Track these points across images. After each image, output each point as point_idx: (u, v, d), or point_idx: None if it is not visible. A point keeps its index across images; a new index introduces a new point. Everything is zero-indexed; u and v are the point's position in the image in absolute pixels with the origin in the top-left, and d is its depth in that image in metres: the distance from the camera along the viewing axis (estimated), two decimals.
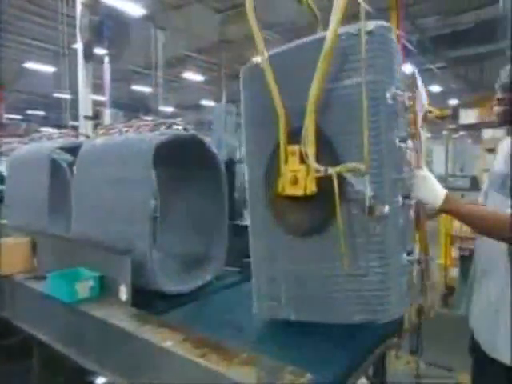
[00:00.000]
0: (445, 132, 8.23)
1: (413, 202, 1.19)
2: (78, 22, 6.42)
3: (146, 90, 12.90)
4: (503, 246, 1.29)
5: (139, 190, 1.50)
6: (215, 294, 1.67)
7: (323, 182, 1.09)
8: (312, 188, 1.11)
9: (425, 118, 1.27)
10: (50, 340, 1.43)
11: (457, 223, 4.08)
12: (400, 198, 1.10)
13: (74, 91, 7.20)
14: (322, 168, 1.08)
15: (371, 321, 1.13)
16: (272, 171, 1.23)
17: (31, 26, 9.51)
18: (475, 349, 1.45)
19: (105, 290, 1.41)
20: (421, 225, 1.25)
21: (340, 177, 1.05)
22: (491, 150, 4.15)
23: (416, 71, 1.21)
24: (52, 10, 7.88)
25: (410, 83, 1.19)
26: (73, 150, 2.04)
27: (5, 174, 2.67)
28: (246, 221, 2.08)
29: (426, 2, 7.92)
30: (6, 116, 14.40)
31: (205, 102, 15.66)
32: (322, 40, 1.08)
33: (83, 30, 6.30)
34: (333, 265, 1.14)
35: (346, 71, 1.09)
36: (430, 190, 1.21)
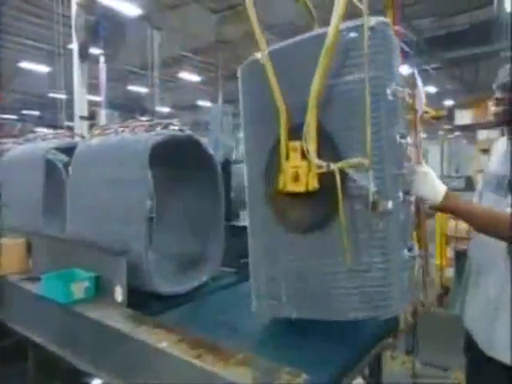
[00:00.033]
0: (440, 132, 8.28)
1: (413, 198, 1.19)
2: (73, 22, 6.39)
3: (142, 90, 12.86)
4: (501, 245, 1.29)
5: (135, 191, 1.50)
6: (211, 295, 1.67)
7: (324, 178, 1.09)
8: (314, 184, 1.10)
9: (421, 119, 1.28)
10: (45, 342, 1.42)
11: (452, 223, 4.11)
12: (401, 194, 1.10)
13: (70, 91, 7.16)
14: (324, 164, 1.07)
15: (374, 317, 1.12)
16: (272, 168, 1.22)
17: (26, 25, 9.46)
18: (470, 348, 1.45)
19: (100, 290, 1.40)
20: (420, 221, 1.25)
21: (342, 172, 1.05)
22: (485, 151, 4.18)
23: (415, 69, 1.21)
24: (47, 9, 7.84)
25: (410, 81, 1.20)
26: (68, 150, 2.03)
27: None
28: (243, 221, 2.08)
29: (421, 3, 7.97)
30: (0, 116, 14.32)
31: (201, 103, 15.64)
32: (321, 36, 1.08)
33: (79, 29, 6.27)
34: (334, 261, 1.13)
35: (347, 67, 1.09)
36: (431, 186, 1.22)
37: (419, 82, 1.22)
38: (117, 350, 1.18)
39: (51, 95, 11.80)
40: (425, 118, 1.31)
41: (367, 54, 1.02)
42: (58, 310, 1.36)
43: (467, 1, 7.96)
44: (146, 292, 1.49)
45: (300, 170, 1.12)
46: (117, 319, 1.22)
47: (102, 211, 1.62)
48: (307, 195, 1.13)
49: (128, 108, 11.79)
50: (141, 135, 1.61)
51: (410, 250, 1.14)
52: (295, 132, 1.14)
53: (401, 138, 1.10)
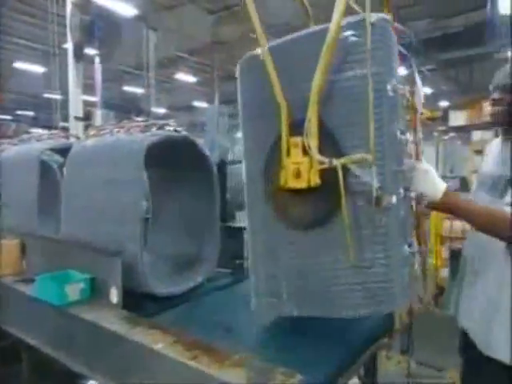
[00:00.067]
0: (435, 133, 8.34)
1: (413, 194, 1.19)
2: (68, 22, 6.36)
3: (138, 90, 12.83)
4: (498, 245, 1.31)
5: (130, 192, 1.49)
6: (207, 296, 1.67)
7: (326, 174, 1.09)
8: (315, 180, 1.10)
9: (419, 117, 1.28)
10: (40, 344, 1.41)
11: (447, 223, 4.13)
12: (401, 190, 1.11)
13: (65, 91, 7.13)
14: (326, 160, 1.07)
15: (375, 313, 1.13)
16: (273, 165, 1.21)
17: (20, 25, 9.40)
18: (467, 348, 1.46)
19: (95, 292, 1.40)
20: (419, 218, 1.25)
21: (343, 168, 1.05)
22: (479, 152, 4.21)
23: (414, 65, 1.21)
24: (42, 9, 7.79)
25: (409, 78, 1.20)
26: (63, 151, 2.02)
27: None
28: (239, 222, 2.08)
29: (418, 5, 8.01)
30: None
31: (197, 104, 15.62)
32: (321, 32, 1.08)
33: (73, 29, 6.24)
34: (336, 258, 1.13)
35: (347, 63, 1.09)
36: (431, 183, 1.22)
37: (418, 80, 1.23)
38: (112, 351, 1.18)
39: (46, 95, 11.73)
40: (420, 118, 1.31)
41: (369, 49, 1.02)
42: (52, 312, 1.36)
43: (462, 3, 8.03)
44: (141, 293, 1.48)
45: (301, 167, 1.12)
46: (112, 321, 1.21)
47: (96, 212, 1.61)
48: (308, 192, 1.12)
49: (124, 108, 11.74)
50: (136, 136, 1.60)
51: (409, 246, 1.14)
52: (295, 128, 1.14)
53: (401, 134, 1.11)
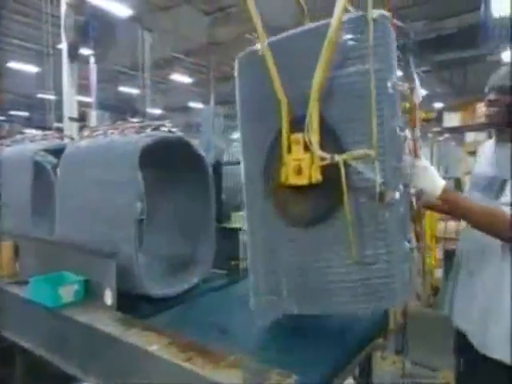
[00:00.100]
0: (430, 135, 8.39)
1: (412, 190, 1.19)
2: (62, 22, 6.33)
3: (134, 91, 12.79)
4: (495, 245, 1.32)
5: (125, 193, 1.49)
6: (202, 297, 1.67)
7: (327, 171, 1.09)
8: (317, 176, 1.10)
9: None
10: (33, 346, 1.40)
11: (441, 224, 4.16)
12: (401, 186, 1.11)
13: (59, 92, 7.09)
14: (328, 156, 1.07)
15: (376, 309, 1.13)
16: (273, 161, 1.20)
17: (14, 24, 9.33)
18: (463, 349, 1.47)
19: (90, 294, 1.39)
20: (418, 214, 1.25)
21: (345, 164, 1.05)
22: (473, 153, 4.24)
23: (412, 62, 1.21)
24: (36, 8, 7.75)
25: (407, 76, 1.20)
26: (57, 152, 2.01)
27: None
28: (234, 223, 2.08)
29: (413, 6, 8.07)
30: None
31: (193, 104, 15.60)
32: (321, 28, 1.08)
33: (68, 29, 6.21)
34: (337, 254, 1.13)
35: (348, 59, 1.08)
36: (430, 180, 1.23)
37: (416, 78, 1.23)
38: (106, 353, 1.17)
39: (40, 96, 11.65)
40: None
41: (371, 45, 1.02)
42: (45, 314, 1.35)
43: (456, 4, 8.09)
44: (136, 295, 1.47)
45: (303, 163, 1.11)
46: (106, 322, 1.21)
47: (91, 213, 1.60)
48: (309, 188, 1.12)
49: (119, 109, 11.71)
50: (131, 137, 1.60)
51: (408, 242, 1.14)
52: (296, 124, 1.13)
53: (400, 131, 1.11)
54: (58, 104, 7.64)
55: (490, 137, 1.60)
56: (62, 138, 2.39)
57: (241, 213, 2.94)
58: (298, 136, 1.12)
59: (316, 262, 1.17)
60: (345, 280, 1.13)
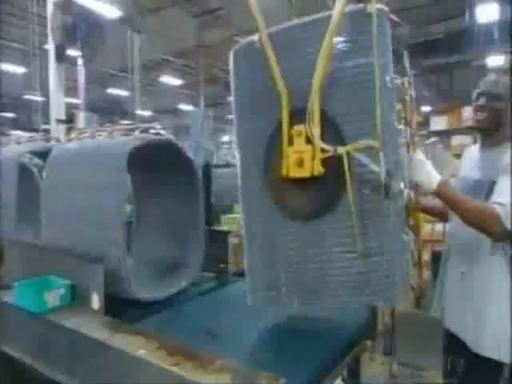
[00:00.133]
0: (416, 138, 8.49)
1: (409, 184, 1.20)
2: (49, 22, 6.24)
3: (123, 93, 12.68)
4: (484, 245, 1.34)
5: (113, 196, 1.47)
6: (191, 301, 1.65)
7: (328, 163, 1.08)
8: (319, 169, 1.09)
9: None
10: (18, 353, 1.37)
11: (428, 227, 4.21)
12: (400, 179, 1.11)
13: (47, 93, 6.98)
14: (331, 148, 1.06)
15: (376, 301, 1.13)
16: (272, 154, 1.19)
17: None
18: (452, 348, 1.49)
19: (76, 298, 1.37)
20: (414, 207, 1.25)
21: (347, 156, 1.04)
22: (459, 156, 4.32)
23: (406, 58, 1.22)
24: (22, 8, 7.63)
25: (401, 70, 1.20)
26: (44, 154, 1.97)
27: None
28: (223, 226, 2.08)
29: (400, 11, 8.20)
30: None
31: (183, 107, 15.54)
32: (320, 20, 1.09)
33: (55, 30, 6.13)
34: (338, 247, 1.12)
35: (348, 52, 1.09)
36: (426, 174, 1.25)
37: (410, 73, 1.24)
38: (93, 359, 1.15)
39: (27, 97, 11.47)
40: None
41: (375, 38, 1.03)
42: (30, 320, 1.32)
43: (443, 10, 8.25)
44: (124, 298, 1.46)
45: (305, 155, 1.10)
46: (93, 327, 1.19)
47: (78, 217, 1.58)
48: (310, 181, 1.11)
49: (108, 111, 11.59)
50: (119, 139, 1.58)
51: (406, 234, 1.15)
52: (295, 116, 1.13)
53: (397, 124, 1.11)
54: (46, 105, 7.52)
55: (475, 141, 1.64)
56: (48, 140, 2.36)
57: (230, 215, 2.94)
58: (301, 128, 1.11)
59: (316, 256, 1.16)
60: (346, 273, 1.12)
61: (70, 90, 7.04)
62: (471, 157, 1.59)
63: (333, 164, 1.07)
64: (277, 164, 1.16)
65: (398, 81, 1.12)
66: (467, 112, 4.53)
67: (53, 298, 1.32)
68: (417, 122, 1.25)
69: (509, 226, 1.23)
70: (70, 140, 1.81)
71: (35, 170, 2.19)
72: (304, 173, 1.11)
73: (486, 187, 1.36)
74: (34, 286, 1.36)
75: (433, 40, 8.97)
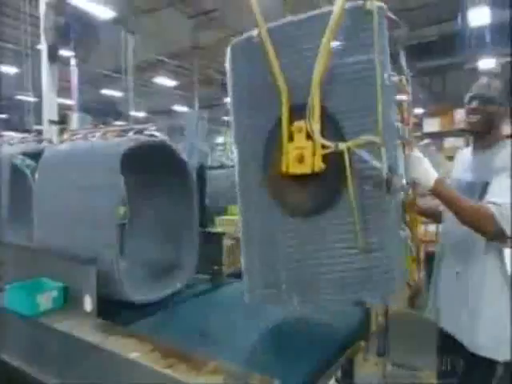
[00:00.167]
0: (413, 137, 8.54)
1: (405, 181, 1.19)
2: (42, 22, 6.20)
3: (117, 94, 12.62)
4: (479, 246, 1.35)
5: (106, 197, 1.46)
6: (185, 303, 1.65)
7: (329, 159, 1.08)
8: (319, 165, 1.09)
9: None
10: (10, 357, 1.35)
11: (421, 228, 4.24)
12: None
13: (39, 93, 6.92)
14: (332, 144, 1.06)
15: (375, 297, 1.14)
16: (271, 150, 1.19)
17: None
18: (447, 348, 1.50)
19: (69, 301, 1.35)
20: (411, 204, 1.26)
21: (348, 152, 1.04)
22: (451, 158, 4.36)
23: (403, 57, 1.22)
24: (14, 8, 7.57)
25: (398, 68, 1.21)
26: (37, 155, 1.96)
27: None
28: (217, 228, 2.08)
29: (393, 13, 8.27)
30: None
31: (177, 108, 15.50)
32: (319, 16, 1.09)
33: (48, 30, 6.08)
34: (338, 244, 1.12)
35: (347, 48, 1.09)
36: (424, 171, 1.25)
37: (406, 70, 1.25)
38: (86, 362, 1.14)
39: (19, 97, 11.36)
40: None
41: (376, 34, 1.03)
42: (22, 323, 1.31)
43: (436, 13, 8.34)
44: (117, 301, 1.45)
45: (305, 151, 1.10)
46: (86, 330, 1.18)
47: (71, 218, 1.57)
48: (310, 177, 1.11)
49: (102, 112, 11.52)
50: (113, 140, 1.58)
51: (403, 230, 1.15)
52: (295, 112, 1.13)
53: (395, 121, 1.12)
54: (38, 106, 7.46)
55: (467, 143, 1.66)
56: (40, 141, 2.34)
57: (224, 217, 2.94)
58: (301, 123, 1.11)
59: (316, 252, 1.16)
60: (346, 269, 1.12)
61: (63, 91, 6.99)
62: (464, 159, 1.60)
63: (333, 160, 1.07)
64: (276, 160, 1.16)
65: (396, 78, 1.12)
66: (460, 114, 4.57)
67: (45, 301, 1.31)
68: (413, 122, 1.25)
69: (503, 226, 1.25)
70: (62, 141, 1.79)
71: (27, 171, 2.18)
72: (304, 169, 1.11)
73: (479, 189, 1.38)
74: (26, 288, 1.35)
75: (427, 42, 9.05)
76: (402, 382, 2.58)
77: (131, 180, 1.88)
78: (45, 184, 1.72)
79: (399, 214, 1.11)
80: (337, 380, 1.55)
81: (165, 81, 12.70)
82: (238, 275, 1.45)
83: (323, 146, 1.08)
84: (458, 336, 1.44)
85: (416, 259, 1.18)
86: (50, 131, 6.13)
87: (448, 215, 1.45)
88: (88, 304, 1.28)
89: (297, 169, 1.12)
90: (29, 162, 2.17)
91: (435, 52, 8.89)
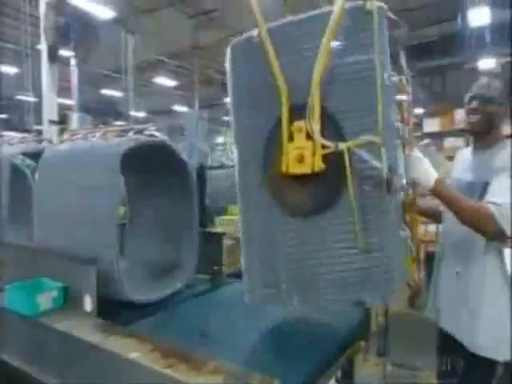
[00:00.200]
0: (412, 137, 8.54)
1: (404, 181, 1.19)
2: (42, 23, 6.20)
3: (117, 94, 12.62)
4: (479, 246, 1.35)
5: (106, 197, 1.46)
6: (185, 303, 1.65)
7: (328, 159, 1.08)
8: (319, 165, 1.09)
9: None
10: (10, 357, 1.35)
11: (421, 228, 4.24)
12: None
13: (40, 93, 6.93)
14: (332, 144, 1.06)
15: (375, 297, 1.14)
16: (272, 150, 1.19)
17: None
18: (447, 349, 1.50)
19: (69, 300, 1.36)
20: (411, 204, 1.26)
21: (348, 152, 1.05)
22: (451, 158, 4.36)
23: (403, 57, 1.22)
24: (14, 8, 7.57)
25: (398, 68, 1.21)
26: (36, 155, 1.96)
27: None
28: (217, 228, 2.08)
29: (396, 13, 8.26)
30: None
31: (177, 108, 15.50)
32: (319, 16, 1.09)
33: (48, 30, 6.08)
34: (338, 244, 1.12)
35: (347, 48, 1.09)
36: (424, 171, 1.25)
37: (407, 71, 1.25)
38: (86, 362, 1.15)
39: (19, 97, 11.37)
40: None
41: (376, 34, 1.03)
42: (22, 323, 1.31)
43: (437, 13, 8.34)
44: (118, 301, 1.45)
45: (305, 151, 1.10)
46: (86, 330, 1.18)
47: (71, 218, 1.57)
48: (310, 177, 1.11)
49: (102, 112, 11.53)
50: (112, 140, 1.58)
51: (403, 230, 1.15)
52: (295, 112, 1.13)
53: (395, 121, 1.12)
54: (38, 106, 7.46)
55: (467, 143, 1.66)
56: (40, 141, 2.34)
57: (224, 217, 2.94)
58: (301, 123, 1.11)
59: (316, 252, 1.16)
60: (347, 269, 1.12)
61: (63, 91, 6.99)
62: (463, 159, 1.60)
63: (333, 160, 1.07)
64: (276, 160, 1.16)
65: (396, 78, 1.12)
66: (459, 114, 4.58)
67: (45, 301, 1.31)
68: (413, 122, 1.25)
69: (503, 226, 1.25)
70: (62, 141, 1.80)
71: (27, 171, 2.18)
72: (304, 169, 1.11)
73: (479, 189, 1.38)
74: (26, 288, 1.35)
75: (427, 42, 9.05)
76: (402, 382, 2.59)
77: (131, 180, 1.88)
78: (45, 184, 1.72)
79: (399, 214, 1.11)
80: (337, 380, 1.55)
81: (165, 81, 12.69)
82: (238, 275, 1.45)
83: (323, 146, 1.09)
84: (458, 336, 1.44)
85: (416, 259, 1.19)
86: (49, 131, 6.13)
87: (448, 215, 1.45)
88: (88, 304, 1.28)
89: (297, 169, 1.12)
90: (29, 162, 2.17)
91: (435, 52, 8.89)
